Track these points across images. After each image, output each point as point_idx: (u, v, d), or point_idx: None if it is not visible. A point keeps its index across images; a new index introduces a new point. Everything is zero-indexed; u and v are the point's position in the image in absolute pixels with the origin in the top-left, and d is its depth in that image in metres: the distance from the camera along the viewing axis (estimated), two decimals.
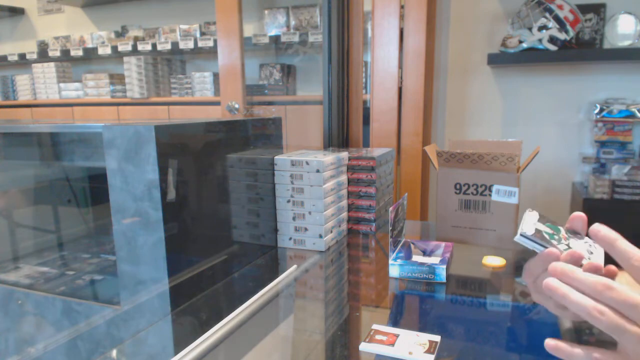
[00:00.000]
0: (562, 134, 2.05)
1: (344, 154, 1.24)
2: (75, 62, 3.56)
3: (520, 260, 1.23)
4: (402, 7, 1.91)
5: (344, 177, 1.23)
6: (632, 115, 1.86)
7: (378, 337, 0.69)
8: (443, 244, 1.08)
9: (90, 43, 3.43)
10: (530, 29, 1.90)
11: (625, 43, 1.88)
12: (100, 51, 3.31)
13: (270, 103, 2.89)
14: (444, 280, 0.93)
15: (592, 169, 1.94)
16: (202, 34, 3.08)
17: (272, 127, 1.23)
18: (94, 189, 1.69)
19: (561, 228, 0.59)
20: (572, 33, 1.86)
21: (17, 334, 1.38)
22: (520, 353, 0.68)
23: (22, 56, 3.62)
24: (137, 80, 3.16)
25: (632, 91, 1.93)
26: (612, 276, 0.51)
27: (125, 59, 3.18)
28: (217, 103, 2.46)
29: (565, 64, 2.02)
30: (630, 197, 1.80)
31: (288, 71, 2.97)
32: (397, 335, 0.69)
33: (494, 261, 1.08)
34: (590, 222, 0.56)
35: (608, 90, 1.97)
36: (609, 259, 0.52)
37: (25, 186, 1.70)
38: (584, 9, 1.91)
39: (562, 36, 1.84)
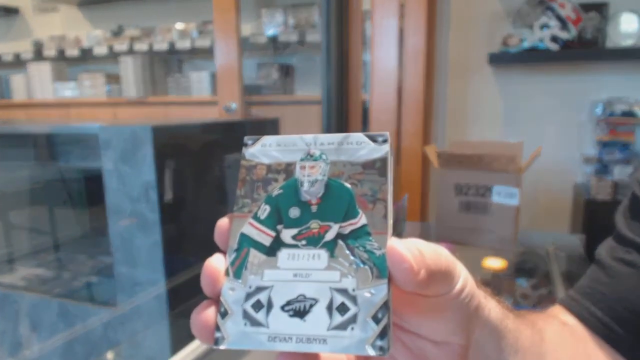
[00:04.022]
0: (563, 134, 2.04)
1: None
2: (71, 61, 3.53)
3: (521, 262, 1.22)
4: (401, 6, 1.90)
5: None
6: (635, 116, 1.85)
7: None
8: (443, 245, 1.06)
9: (86, 43, 3.41)
10: (531, 27, 1.89)
11: (628, 42, 1.87)
12: (96, 51, 3.29)
13: (268, 103, 2.87)
14: None
15: (594, 169, 1.93)
16: (200, 33, 3.07)
17: (270, 127, 1.22)
18: (91, 191, 1.67)
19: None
20: (574, 32, 1.84)
21: (13, 336, 1.36)
22: None
23: (17, 56, 3.60)
24: (133, 80, 3.14)
25: (634, 91, 1.91)
26: None
27: (122, 58, 3.16)
28: (215, 103, 2.44)
29: (567, 64, 2.01)
30: None
31: (286, 71, 2.95)
32: None
33: (494, 263, 1.07)
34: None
35: (610, 89, 1.95)
36: None
37: (21, 188, 1.68)
38: (586, 7, 1.89)
39: (563, 35, 1.83)
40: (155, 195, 0.93)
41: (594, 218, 1.74)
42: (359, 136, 0.28)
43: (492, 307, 0.32)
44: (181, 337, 0.92)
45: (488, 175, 1.20)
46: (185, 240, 1.04)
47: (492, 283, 0.98)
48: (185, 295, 1.03)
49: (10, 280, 1.55)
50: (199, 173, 1.04)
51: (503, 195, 1.19)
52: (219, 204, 1.10)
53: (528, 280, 1.10)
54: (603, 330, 0.46)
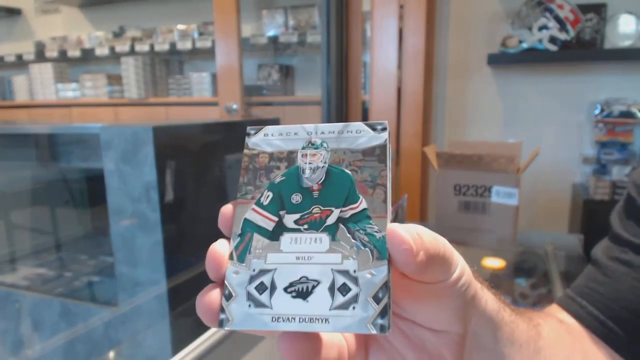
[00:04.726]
0: (562, 135, 2.05)
1: None
2: (72, 62, 3.54)
3: (519, 261, 1.22)
4: (401, 6, 1.90)
5: None
6: (633, 116, 1.86)
7: None
8: None
9: (87, 44, 3.42)
10: (530, 29, 1.90)
11: (626, 43, 1.87)
12: (98, 52, 3.30)
13: (268, 104, 2.88)
14: None
15: (593, 170, 1.93)
16: (200, 34, 3.07)
17: None
18: (92, 191, 1.68)
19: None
20: (572, 33, 1.85)
21: (15, 335, 1.37)
22: None
23: (19, 57, 3.61)
24: (134, 80, 3.15)
25: (632, 91, 1.92)
26: None
27: (123, 59, 3.17)
28: (215, 104, 2.45)
29: (566, 64, 2.01)
30: None
31: (286, 72, 2.96)
32: None
33: (493, 262, 1.07)
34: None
35: (608, 90, 1.96)
36: None
37: (22, 188, 1.69)
38: (585, 8, 1.90)
39: (562, 36, 1.84)
40: (156, 195, 0.93)
41: (592, 218, 1.74)
42: (358, 125, 0.29)
43: (488, 298, 0.32)
44: (182, 336, 0.92)
45: (487, 176, 1.20)
46: (186, 240, 1.04)
47: (491, 282, 0.99)
48: (186, 295, 1.04)
49: (12, 279, 1.55)
50: (199, 173, 1.05)
51: (502, 196, 1.20)
52: (219, 204, 1.11)
53: (527, 280, 1.10)
54: (600, 328, 0.47)
